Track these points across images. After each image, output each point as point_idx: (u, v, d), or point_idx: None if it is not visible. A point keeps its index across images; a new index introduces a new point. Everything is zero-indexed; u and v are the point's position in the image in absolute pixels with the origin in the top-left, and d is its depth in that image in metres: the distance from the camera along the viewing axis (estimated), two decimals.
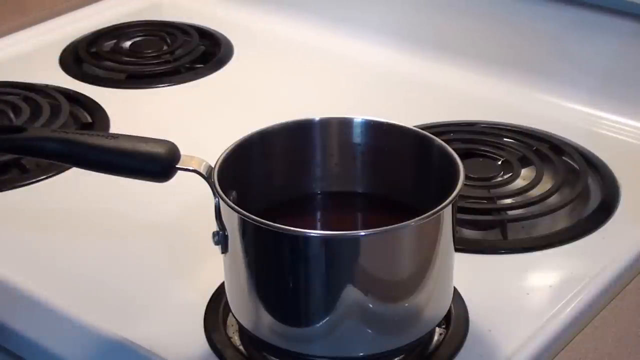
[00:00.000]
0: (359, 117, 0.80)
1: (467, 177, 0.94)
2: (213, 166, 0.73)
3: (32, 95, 1.13)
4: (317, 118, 0.80)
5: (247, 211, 0.69)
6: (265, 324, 0.72)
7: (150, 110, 1.13)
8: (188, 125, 1.09)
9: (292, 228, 0.68)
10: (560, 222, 0.93)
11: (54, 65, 1.24)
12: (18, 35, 1.31)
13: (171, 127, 1.08)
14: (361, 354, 0.72)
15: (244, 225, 0.70)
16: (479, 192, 0.96)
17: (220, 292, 0.80)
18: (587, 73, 1.12)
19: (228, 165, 0.74)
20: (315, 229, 0.81)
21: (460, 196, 0.72)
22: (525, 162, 1.00)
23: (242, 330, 0.76)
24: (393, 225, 0.68)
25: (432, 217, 0.69)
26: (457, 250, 0.75)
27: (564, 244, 0.89)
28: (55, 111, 1.09)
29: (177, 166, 0.72)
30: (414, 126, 0.81)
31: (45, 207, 0.96)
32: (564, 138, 1.05)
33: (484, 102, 1.14)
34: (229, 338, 0.77)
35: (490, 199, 0.95)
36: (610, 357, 0.76)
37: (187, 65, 1.24)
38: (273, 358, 0.76)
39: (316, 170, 0.81)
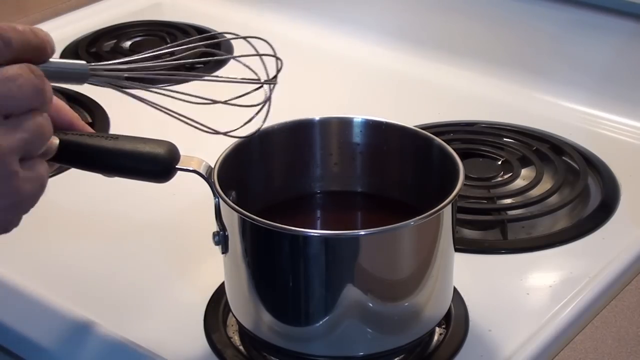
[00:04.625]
0: (358, 116, 0.80)
1: (467, 177, 0.94)
2: (213, 166, 0.73)
3: None
4: (316, 118, 0.80)
5: (247, 211, 0.69)
6: (265, 323, 0.72)
7: (150, 110, 1.13)
8: (188, 126, 1.09)
9: (292, 228, 0.68)
10: (560, 222, 0.93)
11: None
12: None
13: (171, 127, 1.08)
14: (361, 353, 0.72)
15: (244, 225, 0.70)
16: (479, 192, 0.96)
17: (220, 292, 0.80)
18: (586, 73, 1.12)
19: (228, 165, 0.74)
20: (315, 228, 0.81)
21: (460, 196, 0.72)
22: (525, 162, 1.00)
23: (242, 330, 0.76)
24: (393, 225, 0.68)
25: (432, 216, 0.69)
26: (457, 250, 0.75)
27: (564, 244, 0.89)
28: None
29: (177, 166, 0.72)
30: (414, 126, 0.81)
31: (45, 207, 0.96)
32: (564, 138, 1.05)
33: (484, 102, 1.14)
34: (229, 338, 0.77)
35: (490, 199, 0.95)
36: (610, 357, 0.76)
37: (187, 65, 1.24)
38: (273, 358, 0.76)
39: (316, 169, 0.81)
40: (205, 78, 0.73)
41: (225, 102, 0.70)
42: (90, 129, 0.74)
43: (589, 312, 0.80)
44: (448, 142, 0.78)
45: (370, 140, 0.80)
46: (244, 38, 0.73)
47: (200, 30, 1.32)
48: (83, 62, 0.66)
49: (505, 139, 1.05)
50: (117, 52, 1.27)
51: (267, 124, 0.79)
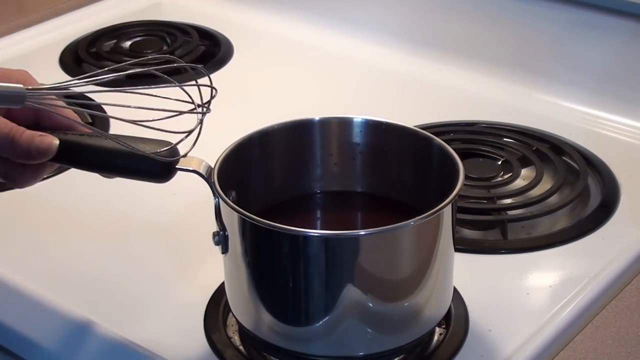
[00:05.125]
0: (358, 116, 0.80)
1: (467, 177, 0.94)
2: (213, 166, 0.73)
3: None
4: (316, 118, 0.80)
5: (247, 211, 0.69)
6: (265, 323, 0.72)
7: (150, 111, 1.13)
8: (188, 126, 1.09)
9: (292, 228, 0.68)
10: (560, 222, 0.93)
11: (54, 65, 1.24)
12: (18, 35, 1.32)
13: (171, 127, 1.08)
14: (361, 353, 0.72)
15: (244, 225, 0.70)
16: (479, 192, 0.96)
17: (220, 292, 0.80)
18: (587, 73, 1.12)
19: (228, 165, 0.74)
20: (315, 228, 0.81)
21: (460, 196, 0.72)
22: (525, 162, 1.00)
23: (242, 330, 0.76)
24: (393, 225, 0.68)
25: (432, 216, 0.69)
26: (457, 250, 0.75)
27: (564, 244, 0.89)
28: None
29: (177, 166, 0.72)
30: (414, 126, 0.81)
31: (46, 207, 0.96)
32: (564, 138, 1.05)
33: (484, 102, 1.14)
34: (229, 338, 0.77)
35: (490, 199, 0.95)
36: (610, 357, 0.76)
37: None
38: (273, 358, 0.76)
39: (316, 169, 0.81)
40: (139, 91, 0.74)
41: (135, 122, 0.71)
42: (90, 130, 0.74)
43: (589, 312, 0.80)
44: (448, 142, 0.78)
45: (370, 140, 0.80)
46: (184, 65, 0.74)
47: (200, 30, 1.32)
48: (19, 85, 0.67)
49: (505, 139, 1.05)
50: (117, 52, 1.27)
51: (267, 124, 0.79)
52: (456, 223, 0.73)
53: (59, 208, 0.96)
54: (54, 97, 0.70)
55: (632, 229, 0.90)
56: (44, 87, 0.69)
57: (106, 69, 0.72)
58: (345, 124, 0.80)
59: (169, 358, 0.75)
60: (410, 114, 1.07)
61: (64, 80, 0.70)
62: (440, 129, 1.06)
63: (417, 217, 0.68)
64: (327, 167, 0.81)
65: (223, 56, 1.26)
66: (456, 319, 0.78)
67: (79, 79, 0.70)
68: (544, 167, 0.99)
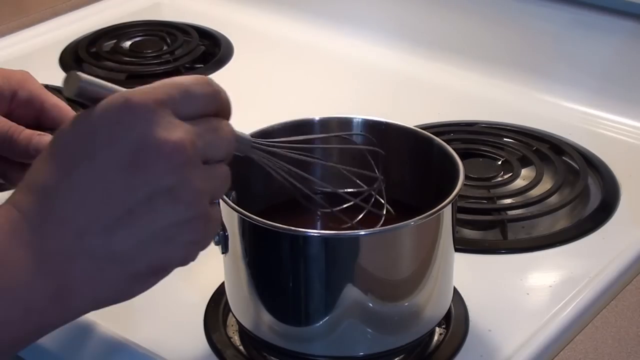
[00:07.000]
0: (358, 116, 0.80)
1: (467, 177, 0.94)
2: None
3: None
4: (316, 118, 0.80)
5: (247, 211, 0.69)
6: (265, 323, 0.72)
7: None
8: None
9: (292, 228, 0.68)
10: (560, 222, 0.93)
11: (54, 65, 1.24)
12: (18, 35, 1.32)
13: None
14: (361, 353, 0.72)
15: (244, 225, 0.70)
16: (479, 192, 0.96)
17: (220, 292, 0.80)
18: (587, 73, 1.12)
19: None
20: (315, 228, 0.80)
21: (460, 196, 0.72)
22: (525, 162, 1.00)
23: (242, 330, 0.76)
24: (393, 225, 0.68)
25: (432, 216, 0.69)
26: (457, 250, 0.75)
27: (564, 244, 0.89)
28: None
29: None
30: (414, 126, 0.81)
31: None
32: (564, 138, 1.05)
33: (484, 102, 1.14)
34: (229, 338, 0.77)
35: (490, 199, 0.95)
36: (610, 357, 0.75)
37: (187, 65, 1.24)
38: (273, 358, 0.76)
39: (316, 169, 0.81)
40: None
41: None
42: None
43: (589, 312, 0.80)
44: (448, 142, 0.78)
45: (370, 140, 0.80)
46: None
47: (200, 30, 1.32)
48: (248, 136, 0.67)
49: (505, 139, 1.05)
50: (117, 52, 1.27)
51: (267, 124, 0.79)
52: (456, 223, 0.73)
53: None
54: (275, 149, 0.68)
55: (632, 229, 0.90)
56: (268, 142, 0.68)
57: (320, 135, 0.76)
58: (345, 124, 0.80)
59: (169, 358, 0.75)
60: (410, 114, 1.06)
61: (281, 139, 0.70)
62: (440, 129, 1.06)
63: (417, 217, 0.68)
64: (327, 167, 0.81)
65: (223, 56, 1.26)
66: (456, 319, 0.78)
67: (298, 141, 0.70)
68: (544, 167, 0.99)
